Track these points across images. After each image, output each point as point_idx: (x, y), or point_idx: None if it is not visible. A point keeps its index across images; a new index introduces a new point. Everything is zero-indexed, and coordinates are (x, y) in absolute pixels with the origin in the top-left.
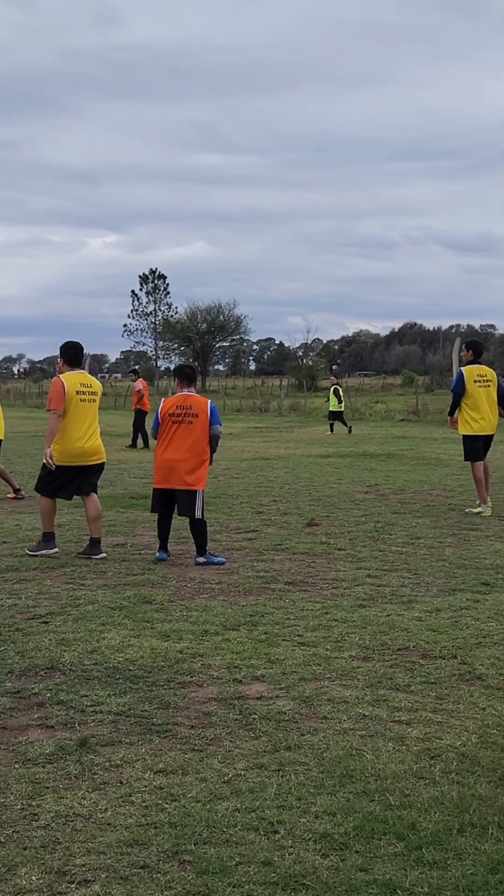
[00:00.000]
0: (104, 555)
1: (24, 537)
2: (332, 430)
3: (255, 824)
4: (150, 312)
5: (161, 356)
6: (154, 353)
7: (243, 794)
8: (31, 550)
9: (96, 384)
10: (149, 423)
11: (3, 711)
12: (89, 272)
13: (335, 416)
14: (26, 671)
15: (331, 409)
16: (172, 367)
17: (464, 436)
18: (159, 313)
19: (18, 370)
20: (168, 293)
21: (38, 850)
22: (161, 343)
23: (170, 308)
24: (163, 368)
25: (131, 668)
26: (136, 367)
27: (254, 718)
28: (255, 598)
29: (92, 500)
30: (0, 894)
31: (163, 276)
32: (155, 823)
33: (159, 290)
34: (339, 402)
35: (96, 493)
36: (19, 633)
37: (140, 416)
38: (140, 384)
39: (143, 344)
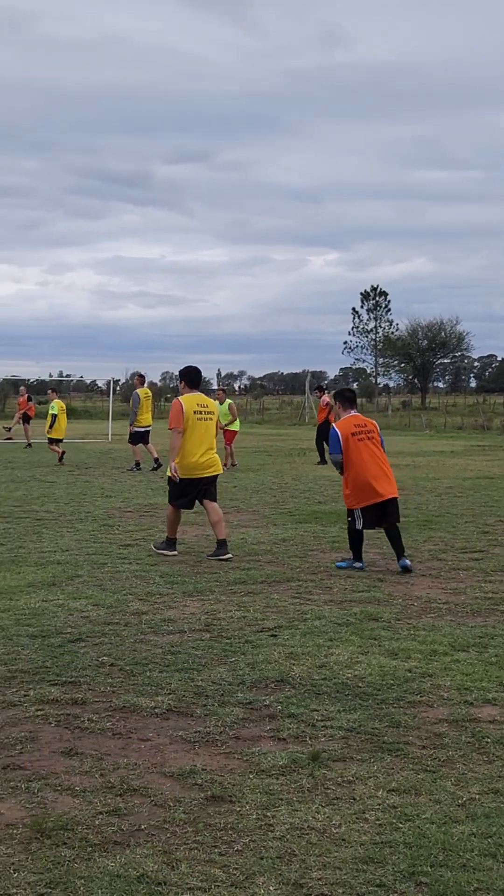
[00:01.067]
0: (230, 555)
1: (249, 550)
2: None
3: (493, 850)
4: (371, 329)
5: (381, 373)
6: (374, 369)
7: (479, 819)
8: (155, 547)
9: (212, 404)
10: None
11: (236, 722)
12: (310, 290)
13: None
14: (257, 683)
15: None
16: (391, 383)
17: None
18: (380, 330)
19: (239, 386)
20: (389, 310)
21: (274, 860)
22: (381, 360)
23: (390, 325)
24: (381, 385)
25: (360, 684)
26: (323, 384)
27: (487, 742)
28: (484, 619)
29: (212, 506)
30: None
31: (384, 293)
32: (390, 842)
33: (380, 306)
34: None
35: (215, 500)
36: (249, 644)
37: (327, 429)
38: (328, 398)
39: (363, 361)
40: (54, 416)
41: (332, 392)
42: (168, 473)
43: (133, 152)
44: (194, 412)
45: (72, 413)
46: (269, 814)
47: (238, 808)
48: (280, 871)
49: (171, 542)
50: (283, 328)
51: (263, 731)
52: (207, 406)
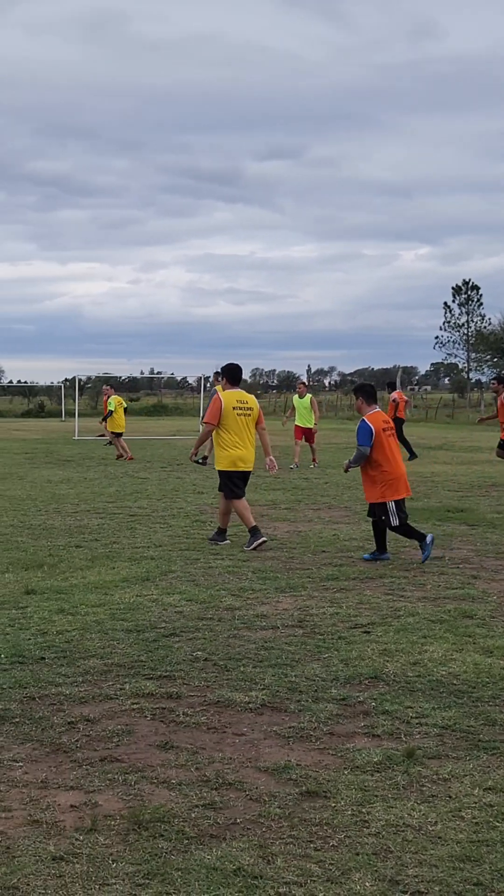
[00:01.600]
0: (228, 542)
1: (342, 546)
2: None
3: None
4: (463, 324)
5: (473, 368)
6: (466, 364)
7: None
8: (246, 547)
9: (252, 400)
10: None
11: (331, 717)
12: (401, 285)
13: None
14: (351, 679)
15: None
16: (484, 378)
17: None
18: (472, 325)
19: (330, 382)
20: (481, 304)
21: (370, 856)
22: (473, 355)
23: (483, 319)
24: (474, 380)
25: (455, 682)
26: (392, 381)
27: None
28: None
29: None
30: None
31: (476, 287)
32: (486, 841)
33: (472, 301)
34: None
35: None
36: (342, 641)
37: (397, 424)
38: (397, 395)
39: (455, 356)
40: (110, 412)
41: (355, 387)
42: (191, 458)
43: (224, 150)
44: (233, 408)
45: (163, 410)
46: (364, 810)
47: (333, 804)
48: (376, 867)
49: (255, 531)
50: (374, 323)
51: (357, 728)
52: (247, 402)
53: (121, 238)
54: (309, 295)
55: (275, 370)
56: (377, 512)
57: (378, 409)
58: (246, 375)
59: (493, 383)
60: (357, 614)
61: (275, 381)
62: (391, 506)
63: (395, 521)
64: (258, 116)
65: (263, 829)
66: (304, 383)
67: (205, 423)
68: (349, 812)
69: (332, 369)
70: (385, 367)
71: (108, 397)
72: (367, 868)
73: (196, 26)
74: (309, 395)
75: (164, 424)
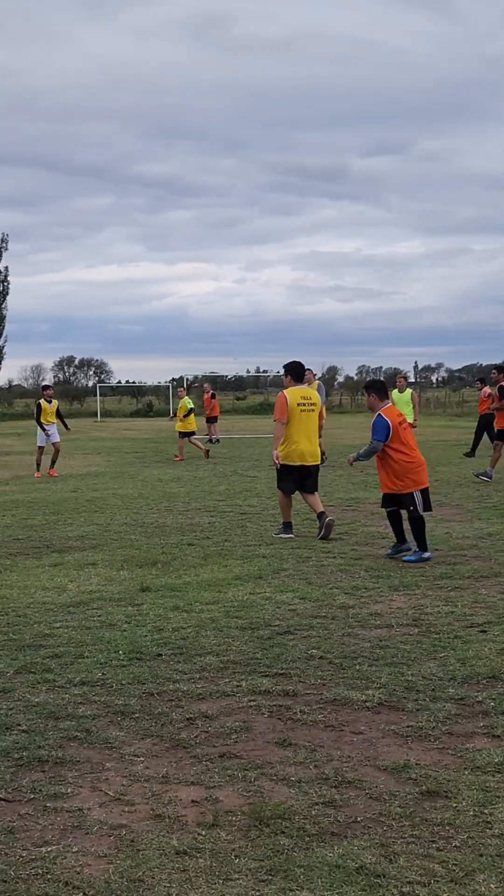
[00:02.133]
0: (331, 517)
1: (454, 545)
2: None
3: None
4: None
5: None
6: None
7: None
8: (275, 534)
9: (315, 397)
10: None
11: (449, 717)
12: None
13: None
14: (468, 679)
15: None
16: None
17: None
18: None
19: (437, 379)
20: None
21: (493, 858)
22: None
23: None
24: None
25: None
26: (483, 377)
27: None
28: None
29: (314, 497)
30: None
31: None
32: None
33: None
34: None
35: (316, 490)
36: (458, 640)
37: (488, 419)
38: (489, 389)
39: None
40: (191, 409)
41: (365, 383)
42: (273, 461)
43: (329, 147)
44: (298, 404)
45: (269, 408)
46: (486, 811)
47: (454, 804)
48: (500, 868)
49: (287, 526)
50: (483, 319)
51: (477, 728)
52: (310, 398)
53: (226, 237)
54: (415, 291)
55: (381, 367)
56: (405, 502)
57: (391, 404)
58: (352, 372)
59: (494, 373)
60: (472, 613)
61: (381, 378)
62: (418, 495)
63: (421, 510)
64: (364, 112)
65: (384, 828)
66: (404, 377)
67: (276, 420)
68: (471, 813)
69: (439, 366)
70: (494, 362)
71: (183, 397)
72: (492, 870)
73: (300, 23)
74: (409, 390)
75: (272, 423)
